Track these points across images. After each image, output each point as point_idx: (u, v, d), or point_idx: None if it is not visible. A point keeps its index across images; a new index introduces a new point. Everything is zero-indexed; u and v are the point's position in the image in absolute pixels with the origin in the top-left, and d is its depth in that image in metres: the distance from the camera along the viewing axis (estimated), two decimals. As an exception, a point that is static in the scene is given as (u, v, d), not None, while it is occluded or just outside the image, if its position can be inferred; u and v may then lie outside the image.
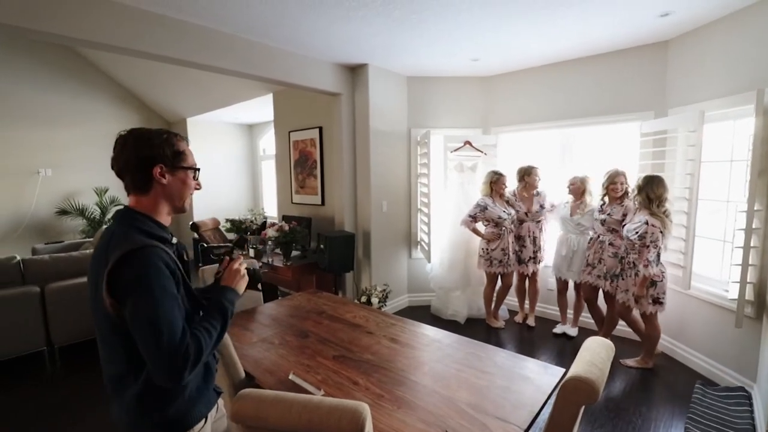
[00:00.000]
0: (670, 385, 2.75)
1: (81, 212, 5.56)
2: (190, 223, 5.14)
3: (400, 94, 4.16)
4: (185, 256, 1.18)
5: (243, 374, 1.64)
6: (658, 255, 2.74)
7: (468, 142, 4.01)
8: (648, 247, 2.69)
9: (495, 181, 3.60)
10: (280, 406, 1.03)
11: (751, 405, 2.37)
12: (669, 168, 3.07)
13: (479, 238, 3.71)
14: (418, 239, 4.37)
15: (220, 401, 1.26)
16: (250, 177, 7.15)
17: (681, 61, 3.07)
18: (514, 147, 4.26)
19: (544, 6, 2.55)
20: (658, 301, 2.77)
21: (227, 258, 1.25)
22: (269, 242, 3.76)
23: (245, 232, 4.11)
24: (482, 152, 4.05)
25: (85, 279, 3.27)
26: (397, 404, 1.38)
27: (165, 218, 1.10)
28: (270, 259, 3.88)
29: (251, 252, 3.99)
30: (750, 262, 2.35)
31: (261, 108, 5.48)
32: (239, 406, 1.05)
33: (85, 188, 5.76)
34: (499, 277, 3.72)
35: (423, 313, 4.16)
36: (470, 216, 3.63)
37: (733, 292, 2.45)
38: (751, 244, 2.34)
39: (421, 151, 4.16)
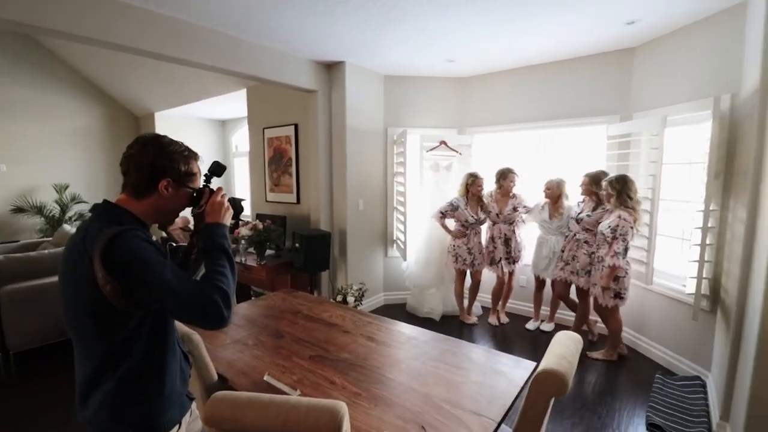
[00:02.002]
0: (633, 376, 2.89)
1: (39, 210, 5.25)
2: (159, 221, 4.95)
3: (376, 93, 4.16)
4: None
5: (216, 377, 1.60)
6: (626, 249, 2.86)
7: (443, 142, 4.06)
8: (617, 239, 2.81)
9: (471, 183, 3.65)
10: (256, 408, 1.02)
11: (705, 393, 2.52)
12: (633, 169, 3.22)
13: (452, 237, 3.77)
14: (394, 238, 4.39)
15: (193, 404, 1.23)
16: (222, 174, 6.97)
17: (645, 67, 3.22)
18: (488, 147, 4.34)
19: (518, 12, 2.61)
20: (618, 296, 2.90)
21: (207, 190, 1.16)
22: (242, 241, 3.68)
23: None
24: (457, 152, 4.12)
25: (44, 280, 3.09)
26: (374, 402, 1.39)
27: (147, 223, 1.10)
28: (243, 259, 3.80)
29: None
30: (706, 259, 2.49)
31: (234, 103, 5.35)
32: (213, 409, 1.03)
33: (43, 185, 5.44)
34: (469, 274, 3.80)
35: (399, 311, 4.19)
36: (441, 212, 3.70)
37: (691, 287, 2.60)
38: (707, 242, 2.48)
39: (398, 150, 4.17)
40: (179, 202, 1.11)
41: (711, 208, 2.48)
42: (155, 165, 1.03)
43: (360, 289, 3.65)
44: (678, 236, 3.03)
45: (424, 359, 1.71)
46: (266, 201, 4.69)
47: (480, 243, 3.75)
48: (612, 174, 3.01)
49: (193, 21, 2.75)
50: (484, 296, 4.11)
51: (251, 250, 3.77)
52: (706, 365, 2.69)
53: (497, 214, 3.67)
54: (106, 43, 2.41)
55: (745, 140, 2.24)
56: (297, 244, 3.58)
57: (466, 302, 3.94)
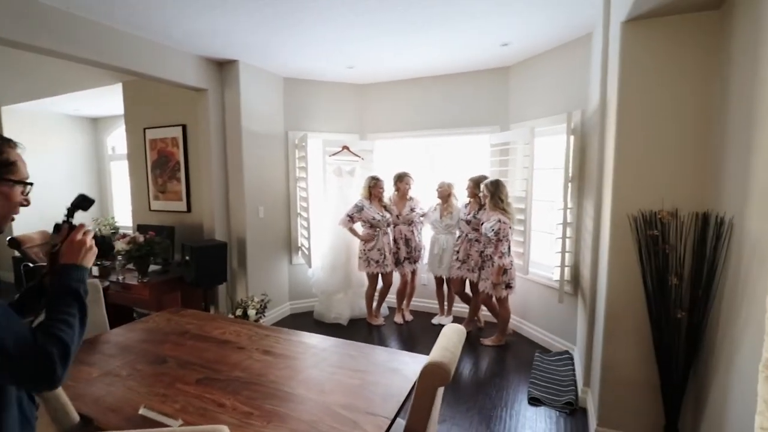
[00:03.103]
0: (518, 357, 3.25)
1: None
2: (8, 238, 4.07)
3: (275, 95, 4.02)
4: None
5: (77, 418, 1.36)
6: (509, 247, 3.21)
7: (346, 147, 4.09)
8: (501, 241, 3.14)
9: (373, 186, 3.76)
10: (118, 448, 0.89)
11: (573, 364, 2.95)
12: (511, 174, 3.63)
13: (359, 241, 3.82)
14: (299, 244, 4.28)
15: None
16: (95, 180, 6.04)
17: (518, 83, 3.67)
18: (389, 153, 4.50)
19: (408, 27, 2.76)
20: (509, 286, 3.25)
21: (66, 227, 1.02)
22: (119, 257, 3.22)
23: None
24: (360, 157, 4.18)
25: None
26: (268, 419, 1.32)
27: None
28: (121, 277, 3.33)
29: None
30: (567, 250, 2.92)
31: (108, 99, 4.68)
32: (59, 459, 0.87)
33: None
34: (380, 276, 3.89)
35: (306, 320, 4.09)
36: (348, 216, 3.73)
37: (557, 275, 3.02)
38: (567, 235, 2.91)
39: (299, 155, 4.09)
40: (5, 197, 0.91)
41: (569, 206, 2.92)
42: None
43: (262, 300, 3.47)
44: (548, 231, 3.50)
45: (323, 366, 1.69)
46: (150, 210, 4.18)
47: (389, 243, 3.86)
48: (492, 178, 3.36)
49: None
50: (389, 297, 4.23)
51: (131, 266, 3.32)
52: (572, 341, 3.15)
53: (397, 216, 3.83)
54: None
55: (591, 149, 2.69)
56: (187, 257, 3.26)
57: (375, 304, 4.01)
